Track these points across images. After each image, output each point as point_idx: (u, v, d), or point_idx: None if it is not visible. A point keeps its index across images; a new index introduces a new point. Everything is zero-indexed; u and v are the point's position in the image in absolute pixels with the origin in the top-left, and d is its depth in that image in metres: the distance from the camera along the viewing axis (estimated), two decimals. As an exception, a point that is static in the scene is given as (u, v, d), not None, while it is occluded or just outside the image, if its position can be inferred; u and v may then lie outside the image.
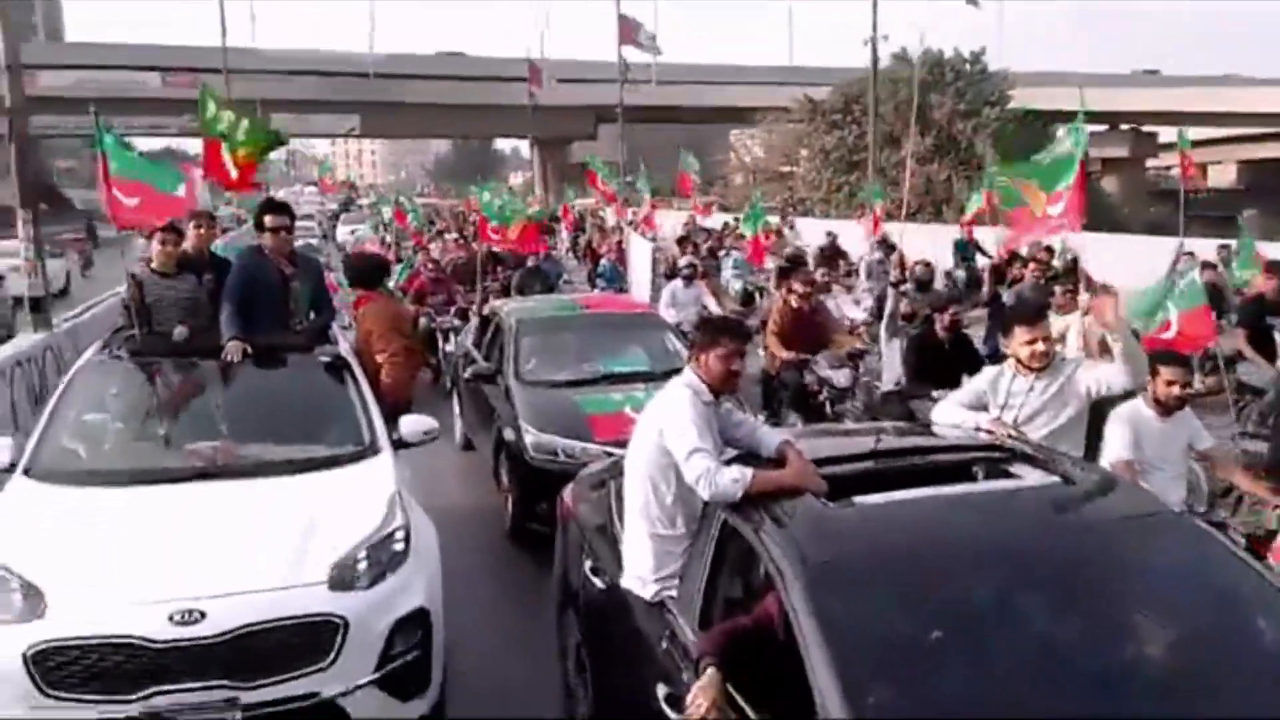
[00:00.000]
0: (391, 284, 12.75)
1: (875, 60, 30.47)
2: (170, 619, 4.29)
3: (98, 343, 6.68)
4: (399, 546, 4.90)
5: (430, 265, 14.76)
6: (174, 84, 57.68)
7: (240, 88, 54.67)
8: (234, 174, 7.89)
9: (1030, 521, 3.70)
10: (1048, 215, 8.54)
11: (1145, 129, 62.30)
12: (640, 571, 4.20)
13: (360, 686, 4.50)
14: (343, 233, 38.96)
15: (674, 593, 4.05)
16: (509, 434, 8.13)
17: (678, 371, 8.54)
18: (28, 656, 4.21)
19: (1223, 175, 71.13)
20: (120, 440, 5.79)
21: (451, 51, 70.20)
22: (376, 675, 4.55)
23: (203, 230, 6.93)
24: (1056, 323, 8.92)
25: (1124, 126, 60.85)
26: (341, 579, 4.63)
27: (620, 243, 16.51)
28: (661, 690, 3.65)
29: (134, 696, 4.24)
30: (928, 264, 12.49)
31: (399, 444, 5.88)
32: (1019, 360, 5.21)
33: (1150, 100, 57.69)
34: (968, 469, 4.04)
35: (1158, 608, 3.45)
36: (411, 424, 6.02)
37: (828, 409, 9.43)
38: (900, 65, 38.26)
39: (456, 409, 10.67)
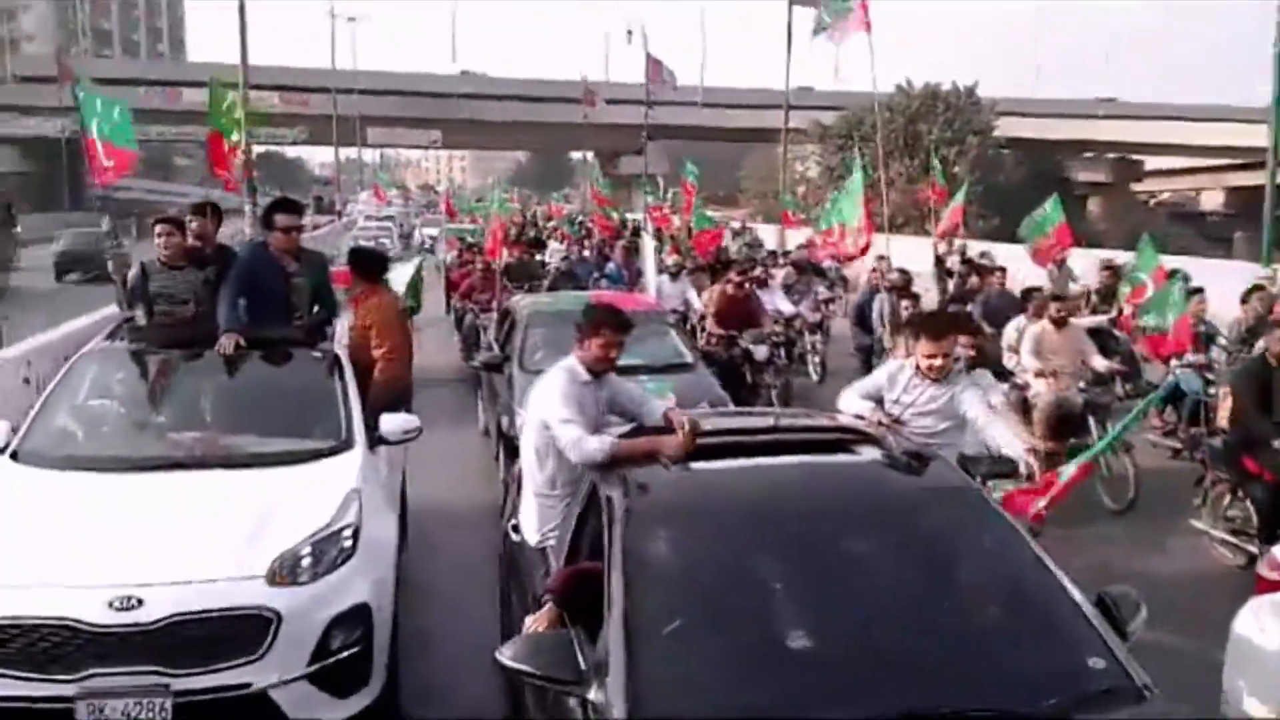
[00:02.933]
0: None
1: (788, 105, 31.10)
2: (109, 604, 3.85)
3: (103, 331, 6.14)
4: (346, 544, 4.37)
5: (482, 264, 14.13)
6: (288, 101, 57.98)
7: (343, 105, 55.11)
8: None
9: (835, 488, 3.68)
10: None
11: (1132, 156, 60.83)
12: (529, 525, 4.35)
13: (293, 680, 4.00)
14: (419, 236, 38.24)
15: (553, 541, 4.15)
16: (505, 421, 7.66)
17: (676, 366, 8.41)
18: None
19: (1212, 200, 69.46)
20: (107, 428, 5.31)
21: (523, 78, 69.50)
22: (310, 670, 4.04)
23: (202, 221, 6.31)
24: (1031, 328, 8.63)
25: (1110, 155, 59.39)
26: (281, 573, 4.13)
27: (625, 246, 16.00)
28: (528, 620, 3.71)
29: (72, 676, 3.81)
30: (904, 271, 11.89)
31: (379, 441, 5.34)
32: (918, 365, 4.93)
33: (1137, 132, 56.19)
34: (818, 445, 3.99)
35: (928, 568, 3.41)
36: (392, 422, 5.44)
37: (748, 377, 9.91)
38: (899, 96, 37.86)
39: (480, 398, 10.19)
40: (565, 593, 3.41)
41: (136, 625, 3.85)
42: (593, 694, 2.83)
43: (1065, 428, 8.18)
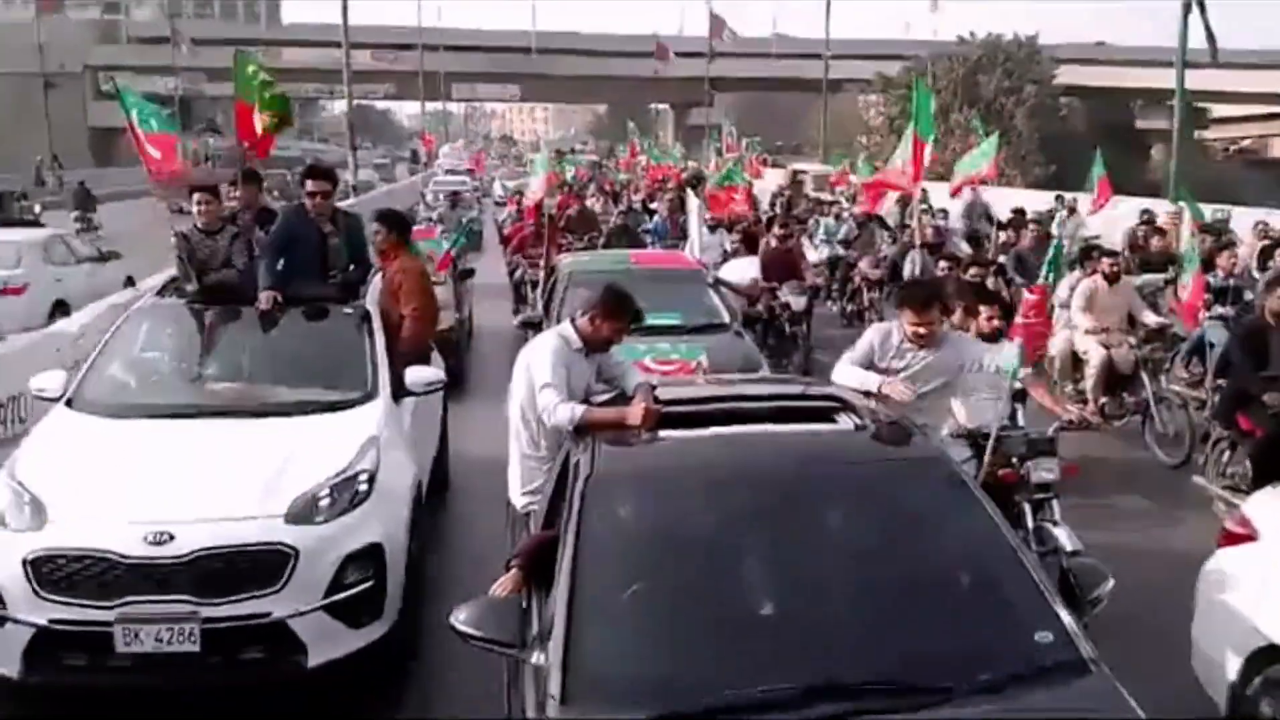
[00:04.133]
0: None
1: (827, 58, 31.14)
2: (144, 539, 4.06)
3: (155, 288, 6.29)
4: (363, 487, 4.51)
5: (533, 218, 13.61)
6: (379, 59, 58.22)
7: (429, 62, 55.17)
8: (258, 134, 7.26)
9: (797, 457, 3.44)
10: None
11: (1197, 104, 57.84)
12: (514, 487, 4.31)
13: (309, 610, 4.16)
14: (498, 188, 38.21)
15: (536, 505, 4.02)
16: None
17: (710, 327, 8.20)
18: (27, 561, 4.06)
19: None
20: (153, 378, 5.48)
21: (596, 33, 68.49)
22: (325, 602, 4.20)
23: (243, 190, 6.40)
24: (1084, 283, 8.31)
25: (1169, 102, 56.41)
26: (299, 513, 4.28)
27: (671, 200, 15.71)
28: (495, 584, 3.62)
29: (112, 603, 4.02)
30: (938, 228, 11.56)
31: (405, 392, 5.45)
32: (905, 331, 4.82)
33: (1201, 80, 53.22)
34: (795, 413, 3.73)
35: (885, 539, 3.22)
36: (417, 374, 5.55)
37: (786, 328, 10.00)
38: (961, 46, 36.62)
39: None
40: (530, 558, 3.35)
41: (168, 558, 4.04)
42: (534, 658, 2.77)
43: (1118, 384, 8.04)
